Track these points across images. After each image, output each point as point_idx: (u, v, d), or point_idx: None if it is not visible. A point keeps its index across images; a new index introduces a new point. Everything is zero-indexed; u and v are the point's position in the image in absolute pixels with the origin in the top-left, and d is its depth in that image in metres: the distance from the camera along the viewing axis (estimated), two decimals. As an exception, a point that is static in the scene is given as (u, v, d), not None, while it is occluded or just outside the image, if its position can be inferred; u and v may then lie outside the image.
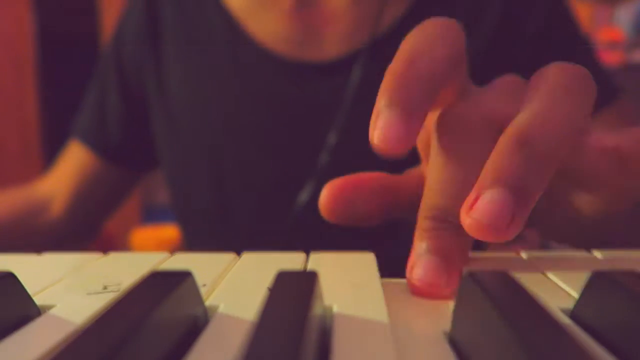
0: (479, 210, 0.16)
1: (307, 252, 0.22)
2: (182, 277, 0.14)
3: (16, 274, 0.15)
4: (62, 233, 0.56)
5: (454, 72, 0.20)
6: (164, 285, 0.14)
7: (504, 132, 0.18)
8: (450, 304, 0.16)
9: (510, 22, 0.45)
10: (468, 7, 0.45)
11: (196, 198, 0.50)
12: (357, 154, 0.43)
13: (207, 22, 0.49)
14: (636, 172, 0.20)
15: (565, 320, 0.14)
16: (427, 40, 0.19)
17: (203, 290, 0.17)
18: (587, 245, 0.22)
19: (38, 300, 0.16)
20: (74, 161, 0.56)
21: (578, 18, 0.48)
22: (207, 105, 0.48)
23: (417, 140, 0.20)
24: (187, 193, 0.51)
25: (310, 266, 0.20)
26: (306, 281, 0.13)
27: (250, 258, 0.21)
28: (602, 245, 0.22)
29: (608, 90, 0.45)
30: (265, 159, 0.46)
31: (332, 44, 0.45)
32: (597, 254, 0.21)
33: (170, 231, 1.58)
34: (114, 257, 0.22)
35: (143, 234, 1.68)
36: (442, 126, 0.20)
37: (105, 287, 0.18)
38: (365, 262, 0.20)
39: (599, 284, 0.14)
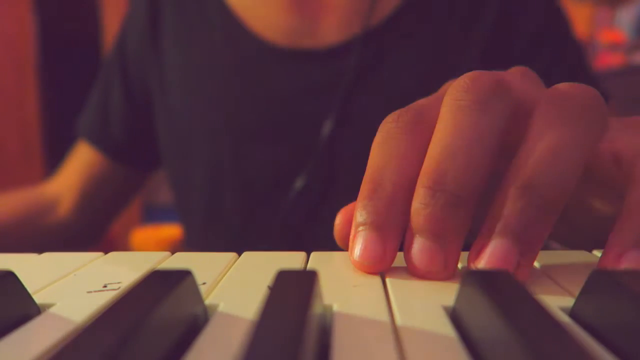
0: (484, 260, 0.17)
1: (301, 247, 0.22)
2: (182, 276, 0.14)
3: (16, 272, 0.15)
4: (70, 233, 0.56)
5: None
6: (164, 284, 0.14)
7: (509, 175, 0.18)
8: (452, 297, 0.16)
9: (506, 20, 0.45)
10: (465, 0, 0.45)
11: (195, 195, 0.50)
12: (353, 141, 0.43)
13: (207, 17, 0.49)
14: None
15: (565, 318, 0.14)
16: (391, 160, 0.19)
17: (203, 289, 0.17)
18: (590, 246, 0.22)
19: (38, 298, 0.16)
20: (81, 161, 0.56)
21: (571, 20, 0.48)
22: (206, 99, 0.48)
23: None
24: (186, 190, 0.52)
25: (311, 265, 0.20)
26: (306, 280, 0.13)
27: (250, 257, 0.21)
28: (603, 245, 0.22)
29: None
30: (265, 150, 0.46)
31: (330, 32, 0.46)
32: (597, 253, 0.21)
33: (170, 231, 1.58)
34: (114, 256, 0.22)
35: (143, 233, 1.68)
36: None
37: (105, 286, 0.18)
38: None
39: (599, 282, 0.14)
